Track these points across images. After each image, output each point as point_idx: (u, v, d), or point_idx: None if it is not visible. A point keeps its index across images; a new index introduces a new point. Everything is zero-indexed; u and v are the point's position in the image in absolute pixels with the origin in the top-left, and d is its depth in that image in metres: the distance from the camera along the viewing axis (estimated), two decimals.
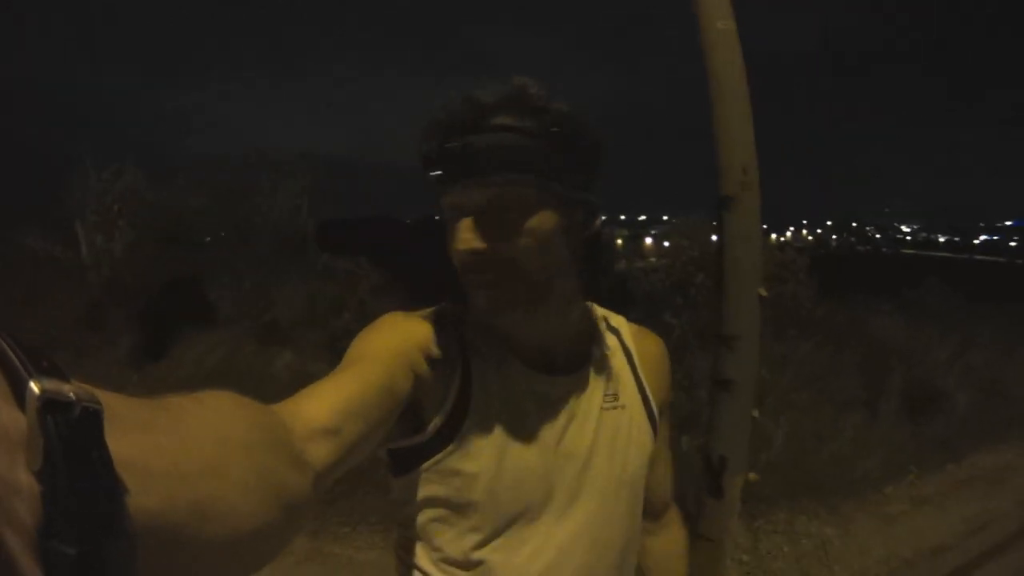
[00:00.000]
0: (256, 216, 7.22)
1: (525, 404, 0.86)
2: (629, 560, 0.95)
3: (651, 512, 1.08)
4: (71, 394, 0.28)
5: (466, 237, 0.76)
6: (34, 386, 0.27)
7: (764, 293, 2.39)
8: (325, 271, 7.04)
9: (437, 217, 0.86)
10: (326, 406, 0.60)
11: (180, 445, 0.37)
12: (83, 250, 7.67)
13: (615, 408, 0.93)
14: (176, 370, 6.10)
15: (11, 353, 0.28)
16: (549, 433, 0.87)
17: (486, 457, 0.82)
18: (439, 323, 0.85)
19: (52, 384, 0.27)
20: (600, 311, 1.00)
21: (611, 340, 0.98)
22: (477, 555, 0.83)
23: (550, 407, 0.88)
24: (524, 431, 0.85)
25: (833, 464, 4.05)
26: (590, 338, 0.95)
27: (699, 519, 2.81)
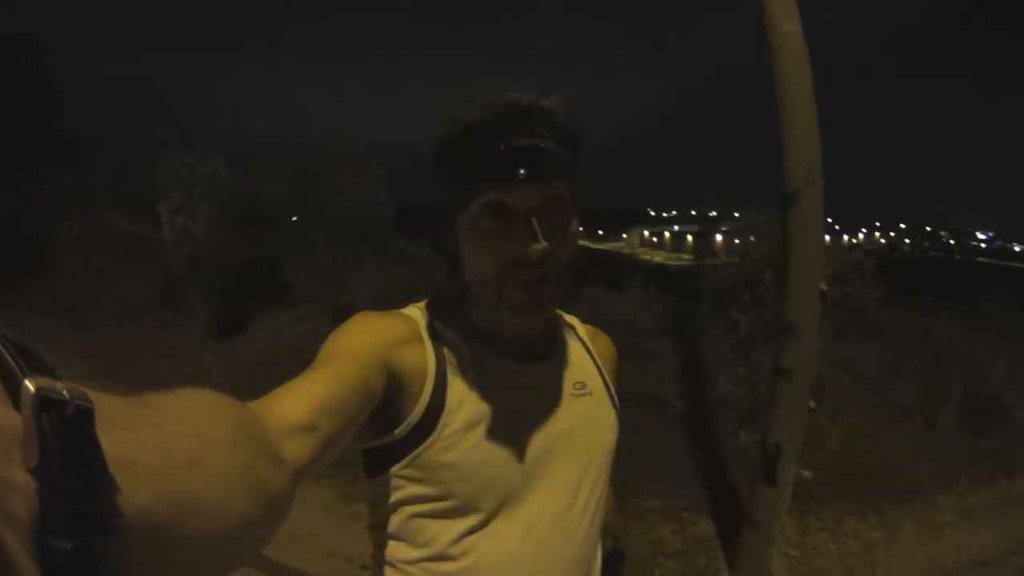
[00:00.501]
0: (334, 201, 7.40)
1: (500, 393, 0.87)
2: (597, 532, 0.97)
3: None
4: (65, 392, 0.28)
5: (540, 235, 0.78)
6: (29, 384, 0.27)
7: (825, 287, 2.47)
8: (402, 256, 7.13)
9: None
10: (301, 403, 0.61)
11: (164, 441, 0.37)
12: (165, 230, 8.02)
13: (583, 395, 0.96)
14: (251, 346, 6.35)
15: (5, 353, 0.28)
16: (525, 420, 0.89)
17: (465, 447, 0.83)
18: (410, 319, 0.88)
19: (46, 383, 0.28)
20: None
21: (570, 334, 1.03)
22: (461, 546, 0.84)
23: (524, 395, 0.90)
24: (501, 419, 0.86)
25: (885, 468, 4.01)
26: (553, 330, 0.99)
27: (751, 506, 2.90)
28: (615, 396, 1.03)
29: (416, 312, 0.91)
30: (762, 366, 4.38)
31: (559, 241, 0.80)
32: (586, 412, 0.96)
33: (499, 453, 0.85)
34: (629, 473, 3.75)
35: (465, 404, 0.84)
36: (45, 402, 0.27)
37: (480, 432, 0.84)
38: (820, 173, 2.44)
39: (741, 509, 3.18)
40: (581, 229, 0.89)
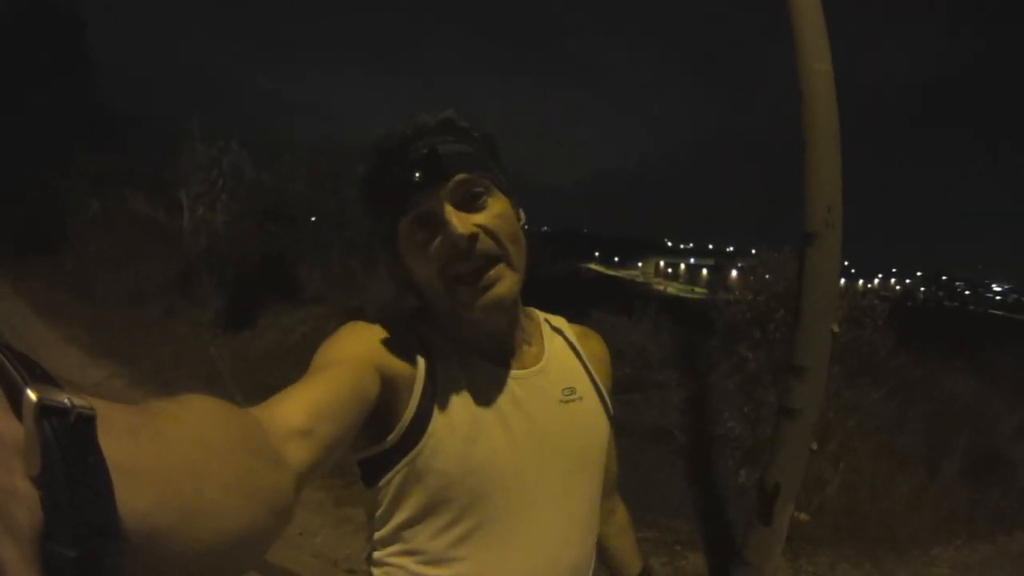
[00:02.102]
0: (353, 205, 7.45)
1: (490, 398, 0.89)
2: (592, 537, 0.99)
3: (608, 488, 1.15)
4: (66, 401, 0.29)
5: (458, 222, 0.81)
6: (31, 393, 0.27)
7: (836, 329, 2.45)
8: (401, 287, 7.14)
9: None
10: (300, 409, 0.61)
11: (166, 448, 0.37)
12: (185, 218, 8.09)
13: (573, 401, 0.97)
14: (258, 340, 6.38)
15: (6, 363, 0.29)
16: (516, 425, 0.89)
17: (455, 454, 0.84)
18: (399, 328, 0.89)
19: (48, 391, 0.28)
20: (540, 314, 1.07)
21: (558, 339, 1.05)
22: (454, 553, 0.84)
23: (514, 401, 0.91)
24: (492, 425, 0.87)
25: (884, 517, 3.97)
26: (540, 337, 1.01)
27: (745, 545, 2.86)
28: (607, 399, 1.05)
29: (403, 320, 0.92)
30: (767, 405, 4.35)
31: (484, 217, 0.84)
32: (576, 418, 0.97)
33: (489, 460, 0.85)
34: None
35: (454, 411, 0.85)
36: (46, 410, 0.27)
37: (470, 439, 0.85)
38: (840, 216, 2.43)
39: (734, 547, 3.15)
40: (522, 213, 0.92)
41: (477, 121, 0.88)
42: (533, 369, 0.96)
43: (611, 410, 1.05)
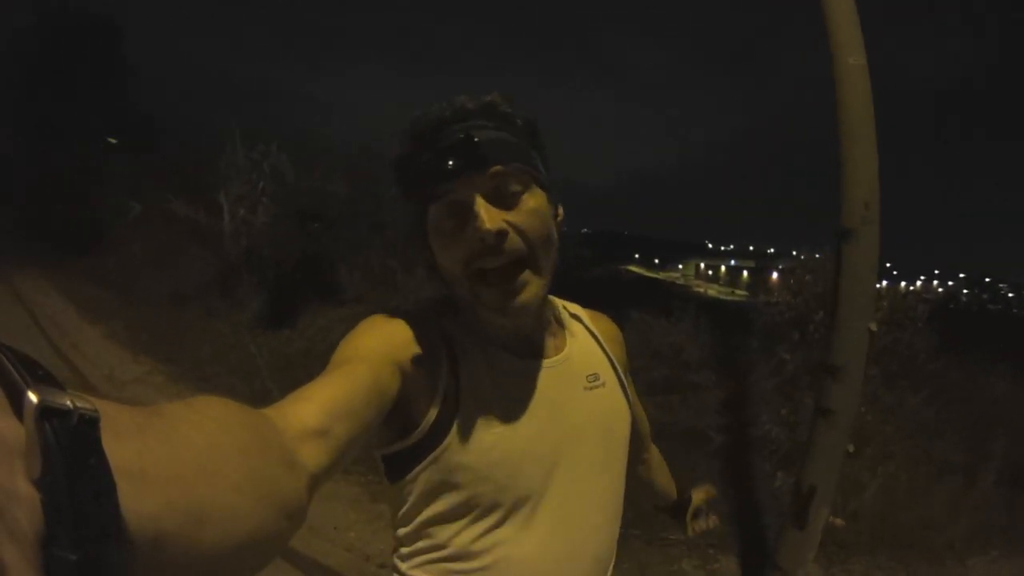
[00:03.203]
0: (392, 205, 7.43)
1: (515, 390, 0.88)
2: (617, 522, 0.99)
3: (644, 443, 1.23)
4: (68, 402, 0.28)
5: (488, 216, 0.78)
6: (32, 395, 0.27)
7: (874, 328, 2.41)
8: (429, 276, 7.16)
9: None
10: (315, 408, 0.61)
11: (174, 450, 0.37)
12: (225, 219, 8.20)
13: (596, 387, 0.97)
14: (297, 339, 6.44)
15: (8, 364, 0.28)
16: (542, 416, 0.88)
17: (482, 447, 0.83)
18: (420, 321, 0.87)
19: (49, 392, 0.28)
20: (558, 301, 1.05)
21: (577, 326, 1.04)
22: (481, 545, 0.84)
23: (540, 391, 0.90)
24: (517, 416, 0.86)
25: (920, 524, 3.87)
26: (561, 326, 1.00)
27: (777, 549, 2.83)
28: (624, 378, 1.05)
29: (425, 314, 0.91)
30: (805, 407, 4.28)
31: (517, 215, 0.81)
32: (601, 404, 0.97)
33: (516, 452, 0.85)
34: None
35: (480, 404, 0.84)
36: (48, 412, 0.27)
37: (496, 431, 0.84)
38: (878, 212, 2.39)
39: (768, 551, 3.11)
40: (560, 212, 0.91)
41: (521, 107, 0.85)
42: (557, 358, 0.95)
43: (627, 389, 1.05)
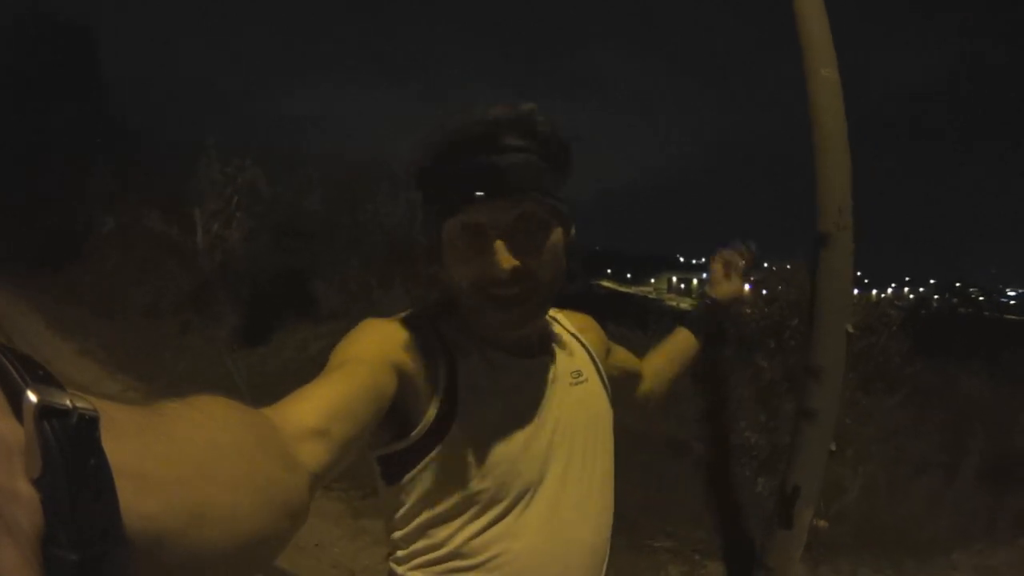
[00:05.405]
0: (369, 221, 7.45)
1: (510, 387, 0.90)
2: (610, 513, 1.00)
3: (635, 373, 1.26)
4: (68, 402, 0.28)
5: (505, 257, 0.80)
6: (31, 395, 0.27)
7: (852, 330, 2.46)
8: (429, 281, 7.16)
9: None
10: (314, 408, 0.61)
11: (174, 450, 0.37)
12: (199, 234, 8.15)
13: (580, 383, 1.00)
14: (273, 355, 6.41)
15: (7, 364, 0.28)
16: (534, 413, 0.90)
17: (480, 444, 0.84)
18: (416, 322, 0.89)
19: (49, 392, 0.28)
20: None
21: (556, 325, 1.06)
22: (481, 542, 0.84)
23: (532, 388, 0.92)
24: (512, 414, 0.88)
25: (903, 522, 3.94)
26: (547, 326, 1.02)
27: (765, 550, 2.86)
28: (603, 374, 1.07)
29: (421, 316, 0.92)
30: (783, 413, 4.35)
31: (534, 257, 0.83)
32: (586, 399, 1.00)
33: (513, 447, 0.86)
34: (643, 511, 3.74)
35: (476, 402, 0.86)
36: (47, 411, 0.27)
37: (493, 428, 0.86)
38: (851, 217, 2.46)
39: (753, 555, 3.14)
40: (573, 232, 0.91)
41: (557, 124, 0.84)
42: (545, 357, 0.98)
43: (607, 384, 1.07)
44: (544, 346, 0.99)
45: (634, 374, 1.24)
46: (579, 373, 1.01)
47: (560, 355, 1.00)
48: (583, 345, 1.07)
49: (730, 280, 1.45)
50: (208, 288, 7.84)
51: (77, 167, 12.52)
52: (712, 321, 1.42)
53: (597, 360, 1.07)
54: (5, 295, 10.06)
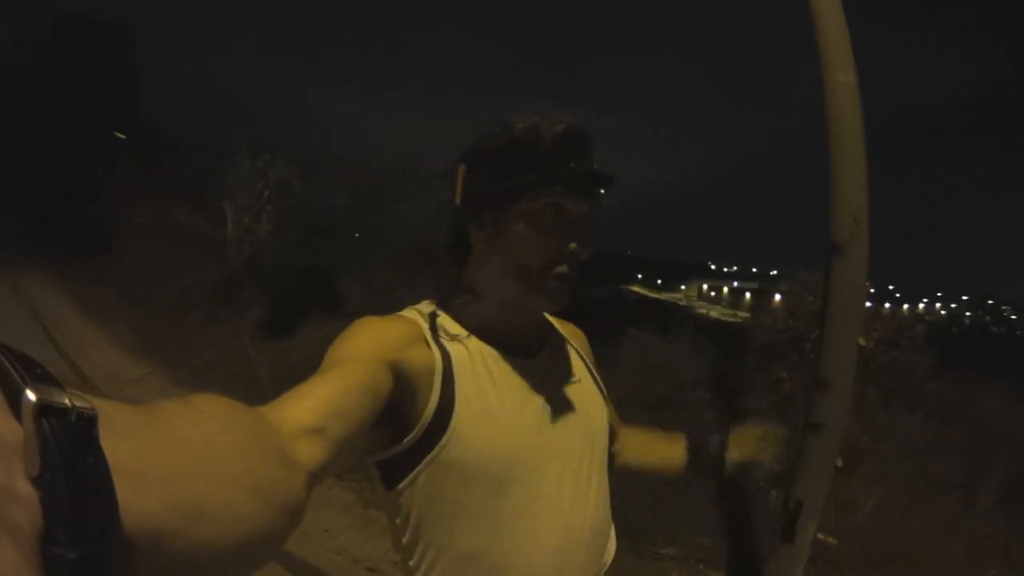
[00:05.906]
0: (395, 221, 7.53)
1: (508, 386, 0.90)
2: (607, 511, 1.00)
3: (617, 429, 1.21)
4: (66, 400, 0.28)
5: (585, 243, 0.90)
6: (30, 393, 0.27)
7: (863, 343, 2.42)
8: (448, 278, 7.16)
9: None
10: (311, 407, 0.61)
11: (172, 448, 0.37)
12: (229, 228, 8.30)
13: (575, 383, 1.01)
14: (297, 349, 6.47)
15: (6, 363, 0.28)
16: (532, 412, 0.91)
17: (479, 444, 0.84)
18: (412, 322, 0.90)
19: (47, 391, 0.28)
20: None
21: (549, 328, 1.08)
22: (484, 542, 0.84)
23: (528, 387, 0.92)
24: (510, 413, 0.88)
25: (916, 542, 3.85)
26: (544, 324, 1.05)
27: (767, 563, 2.83)
28: (597, 376, 1.09)
29: (417, 314, 0.94)
30: (800, 425, 4.28)
31: (587, 246, 0.91)
32: (581, 398, 1.00)
33: (512, 446, 0.86)
34: (649, 517, 3.72)
35: (474, 401, 0.86)
36: (46, 410, 0.27)
37: (492, 427, 0.85)
38: (866, 227, 2.41)
39: (757, 569, 3.10)
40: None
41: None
42: (542, 356, 0.99)
43: (602, 386, 1.09)
44: (542, 346, 1.01)
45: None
46: (575, 374, 1.03)
47: (558, 356, 1.03)
48: (573, 346, 1.09)
49: (754, 448, 1.38)
50: (236, 281, 7.98)
51: (110, 162, 12.82)
52: (710, 470, 1.35)
53: (587, 360, 1.09)
54: (39, 283, 10.40)
